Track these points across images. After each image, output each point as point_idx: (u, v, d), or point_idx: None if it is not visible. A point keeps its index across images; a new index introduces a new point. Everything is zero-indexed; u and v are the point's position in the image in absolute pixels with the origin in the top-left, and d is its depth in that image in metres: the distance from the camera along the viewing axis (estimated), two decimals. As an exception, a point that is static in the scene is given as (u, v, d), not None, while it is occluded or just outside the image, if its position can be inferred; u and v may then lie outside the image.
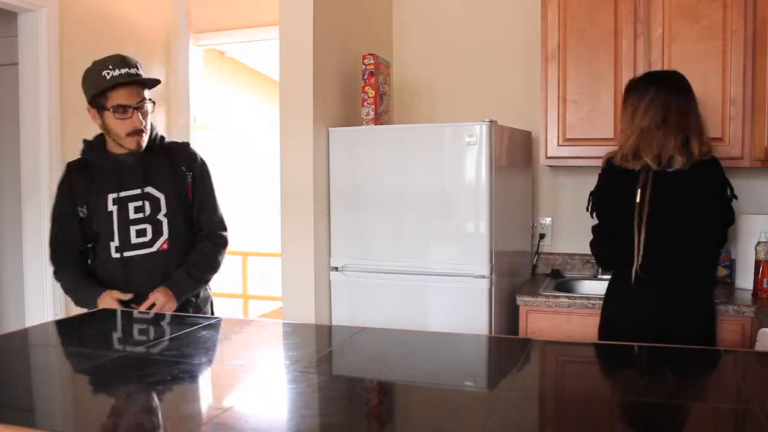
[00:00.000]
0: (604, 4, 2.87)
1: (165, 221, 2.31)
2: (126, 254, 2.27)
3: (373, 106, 2.95)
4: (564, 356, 1.61)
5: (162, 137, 2.41)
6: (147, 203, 2.29)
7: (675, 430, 1.10)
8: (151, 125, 2.36)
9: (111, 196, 2.28)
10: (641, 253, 2.23)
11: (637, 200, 2.23)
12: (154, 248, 2.29)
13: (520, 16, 3.31)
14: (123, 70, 2.20)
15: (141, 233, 2.28)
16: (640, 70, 2.82)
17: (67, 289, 2.35)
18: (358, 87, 3.02)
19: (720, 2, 2.72)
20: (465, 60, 3.44)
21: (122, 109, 2.21)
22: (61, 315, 3.10)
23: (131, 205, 2.28)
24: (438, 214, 2.73)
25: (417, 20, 3.54)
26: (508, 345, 1.81)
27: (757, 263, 2.67)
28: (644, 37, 2.83)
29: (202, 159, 2.46)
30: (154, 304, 2.21)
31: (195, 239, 2.40)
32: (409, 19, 3.55)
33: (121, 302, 2.20)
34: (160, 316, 1.95)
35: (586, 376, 1.46)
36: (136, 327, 1.90)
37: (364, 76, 2.96)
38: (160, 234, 2.31)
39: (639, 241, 2.23)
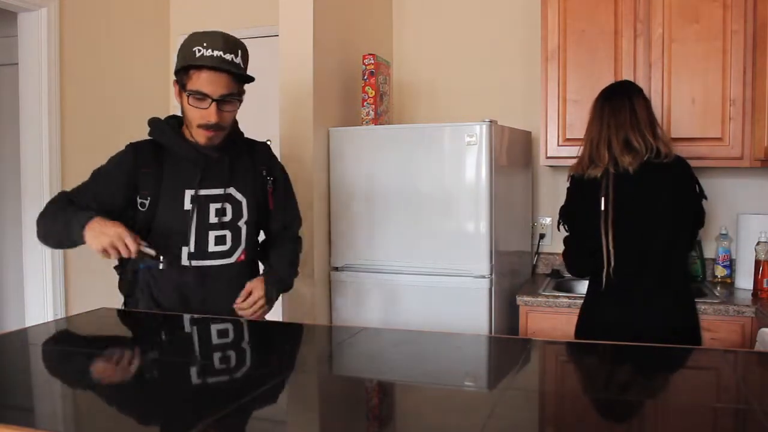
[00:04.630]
0: (604, 4, 2.87)
1: (244, 228, 2.02)
2: (201, 263, 1.95)
3: (373, 106, 2.95)
4: (564, 356, 1.61)
5: (242, 132, 2.13)
6: (229, 206, 1.98)
7: (675, 429, 1.10)
8: (235, 120, 2.08)
9: (189, 193, 1.94)
10: (611, 257, 2.26)
11: (602, 207, 2.27)
12: (233, 259, 2.00)
13: (520, 16, 3.32)
14: (217, 53, 1.85)
15: (220, 240, 1.97)
16: (640, 70, 2.82)
17: (48, 221, 1.89)
18: (358, 87, 3.02)
19: (720, 2, 2.73)
20: (465, 60, 3.44)
21: (201, 97, 1.88)
22: (61, 315, 3.10)
23: (212, 207, 1.96)
24: (438, 214, 2.73)
25: (417, 20, 3.54)
26: (508, 345, 1.82)
27: (757, 263, 2.67)
28: (644, 37, 2.83)
29: (281, 164, 2.23)
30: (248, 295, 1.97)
31: (273, 242, 2.17)
32: (409, 19, 3.56)
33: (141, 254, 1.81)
34: (158, 317, 1.95)
35: (586, 376, 1.46)
36: (135, 327, 1.90)
37: (364, 76, 2.96)
38: (239, 243, 2.01)
39: (607, 246, 2.26)
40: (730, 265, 2.97)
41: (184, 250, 1.94)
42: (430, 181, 2.73)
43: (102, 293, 2.67)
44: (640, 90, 2.40)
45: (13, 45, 3.19)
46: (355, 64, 3.05)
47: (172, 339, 1.73)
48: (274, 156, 2.19)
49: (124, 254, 1.77)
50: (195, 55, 1.85)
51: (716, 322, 2.49)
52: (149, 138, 2.00)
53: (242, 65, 1.93)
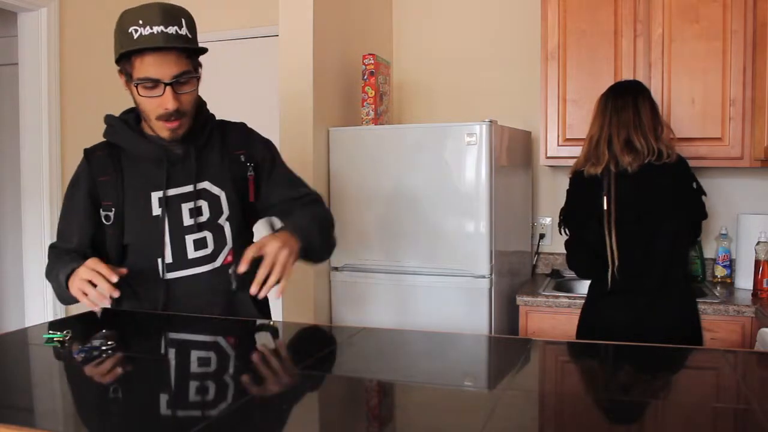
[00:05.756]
0: (604, 4, 2.87)
1: (227, 226, 1.76)
2: (181, 274, 1.73)
3: (373, 106, 2.95)
4: (564, 356, 1.61)
5: (212, 116, 1.85)
6: (205, 204, 1.74)
7: (675, 429, 1.09)
8: (201, 101, 1.80)
9: (156, 195, 1.72)
10: (614, 257, 2.26)
11: (604, 207, 2.26)
12: (218, 262, 1.76)
13: (520, 16, 3.32)
14: (157, 29, 1.57)
15: (200, 244, 1.73)
16: (640, 70, 2.83)
17: (52, 284, 1.74)
18: (358, 87, 3.03)
19: (720, 2, 2.73)
20: (465, 60, 3.44)
21: (151, 85, 1.62)
22: (61, 315, 3.10)
23: (184, 207, 1.72)
24: (438, 214, 2.73)
25: (417, 20, 3.54)
26: (508, 345, 1.81)
27: (757, 263, 2.67)
28: (644, 37, 2.83)
29: (264, 141, 1.90)
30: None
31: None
32: (409, 19, 3.56)
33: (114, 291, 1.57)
34: (157, 316, 1.95)
35: (587, 376, 1.46)
36: (134, 327, 1.89)
37: (364, 76, 2.96)
38: (224, 243, 1.76)
39: (611, 246, 2.26)
40: (730, 265, 2.97)
41: (160, 262, 1.73)
42: (430, 181, 2.73)
43: (102, 293, 2.67)
44: (647, 91, 2.39)
45: (13, 45, 3.19)
46: (355, 64, 3.05)
47: (172, 338, 1.73)
48: (252, 135, 1.88)
49: (104, 285, 1.56)
50: (132, 37, 1.57)
51: (716, 322, 2.49)
52: (105, 140, 1.80)
53: (189, 36, 1.65)
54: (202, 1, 3.86)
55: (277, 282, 1.58)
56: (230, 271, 1.56)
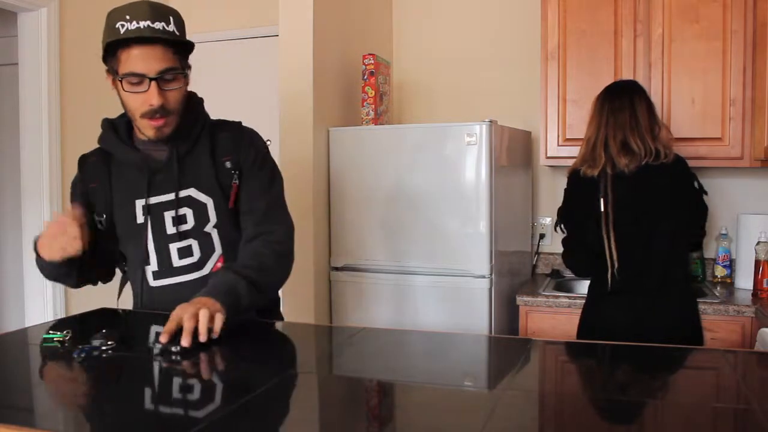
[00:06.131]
0: (604, 4, 2.87)
1: (215, 233, 1.70)
2: (168, 281, 1.70)
3: (373, 106, 2.95)
4: (564, 356, 1.61)
5: (206, 116, 1.77)
6: (189, 212, 1.68)
7: (675, 429, 1.10)
8: (196, 100, 1.74)
9: (140, 203, 1.69)
10: (614, 259, 2.26)
11: (602, 209, 2.26)
12: (206, 270, 1.70)
13: (520, 16, 3.32)
14: (144, 23, 1.54)
15: (185, 252, 1.69)
16: (640, 70, 2.83)
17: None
18: (358, 87, 3.03)
19: (720, 2, 2.73)
20: (465, 60, 3.44)
21: (136, 80, 1.58)
22: (61, 315, 3.10)
23: (167, 215, 1.67)
24: (438, 214, 2.73)
25: (417, 20, 3.54)
26: (508, 345, 1.81)
27: (757, 263, 2.67)
28: (644, 37, 2.83)
29: (254, 144, 1.76)
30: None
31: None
32: (409, 19, 3.56)
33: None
34: (157, 316, 1.95)
35: (586, 377, 1.46)
36: (134, 327, 1.90)
37: (364, 76, 2.96)
38: (212, 251, 1.70)
39: (609, 248, 2.26)
40: (730, 265, 2.97)
41: (149, 270, 1.71)
42: (430, 181, 2.73)
43: (102, 293, 2.66)
44: (643, 90, 2.39)
45: (13, 45, 3.19)
46: (355, 64, 3.05)
47: (169, 338, 1.73)
48: (243, 137, 1.75)
49: (71, 230, 1.55)
50: (119, 31, 1.55)
51: (716, 322, 2.50)
52: (99, 145, 1.77)
53: (177, 33, 1.61)
54: (203, 1, 3.87)
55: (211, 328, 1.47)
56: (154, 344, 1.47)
